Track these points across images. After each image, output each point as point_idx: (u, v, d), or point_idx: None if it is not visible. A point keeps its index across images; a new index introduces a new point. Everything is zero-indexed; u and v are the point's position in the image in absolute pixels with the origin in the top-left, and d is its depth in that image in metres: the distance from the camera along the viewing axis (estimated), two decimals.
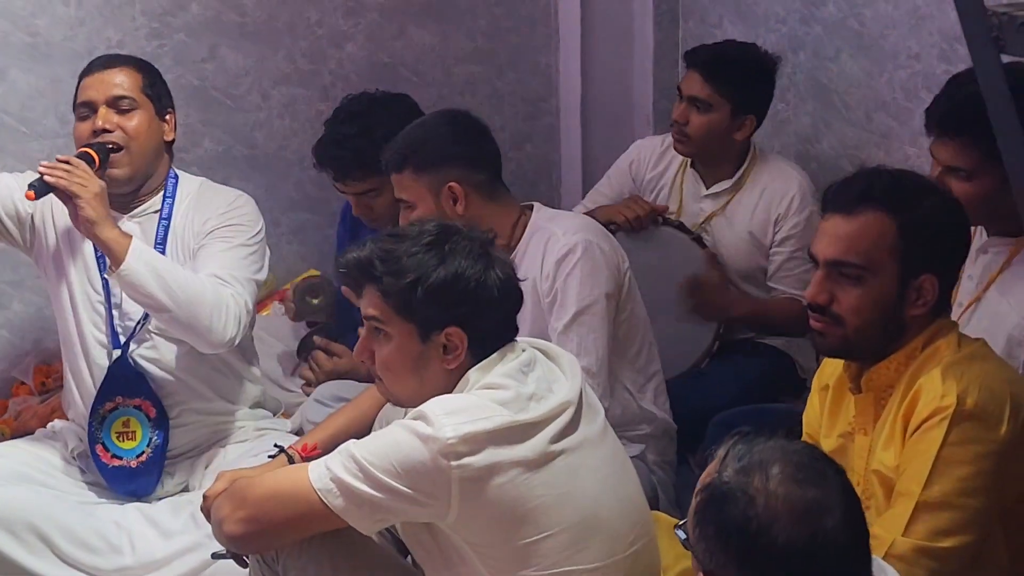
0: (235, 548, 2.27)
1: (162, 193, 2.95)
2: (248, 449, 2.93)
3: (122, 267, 2.66)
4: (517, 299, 2.20)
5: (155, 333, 2.88)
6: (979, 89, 1.87)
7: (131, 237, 2.72)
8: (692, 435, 3.01)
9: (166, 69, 3.48)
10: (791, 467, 1.63)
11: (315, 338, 3.15)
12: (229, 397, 3.01)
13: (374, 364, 2.21)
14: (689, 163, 3.54)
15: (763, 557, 1.60)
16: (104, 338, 2.89)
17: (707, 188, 3.50)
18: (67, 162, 2.71)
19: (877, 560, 1.76)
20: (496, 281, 2.14)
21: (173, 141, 3.00)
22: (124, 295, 2.85)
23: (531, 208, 2.92)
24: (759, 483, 1.62)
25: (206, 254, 2.84)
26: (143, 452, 2.89)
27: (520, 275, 2.34)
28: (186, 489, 2.96)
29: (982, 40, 1.81)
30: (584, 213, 3.33)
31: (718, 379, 3.38)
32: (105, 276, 2.78)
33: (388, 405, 2.50)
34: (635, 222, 3.39)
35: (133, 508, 2.86)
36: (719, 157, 3.46)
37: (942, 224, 2.13)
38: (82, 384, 2.92)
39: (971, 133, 2.34)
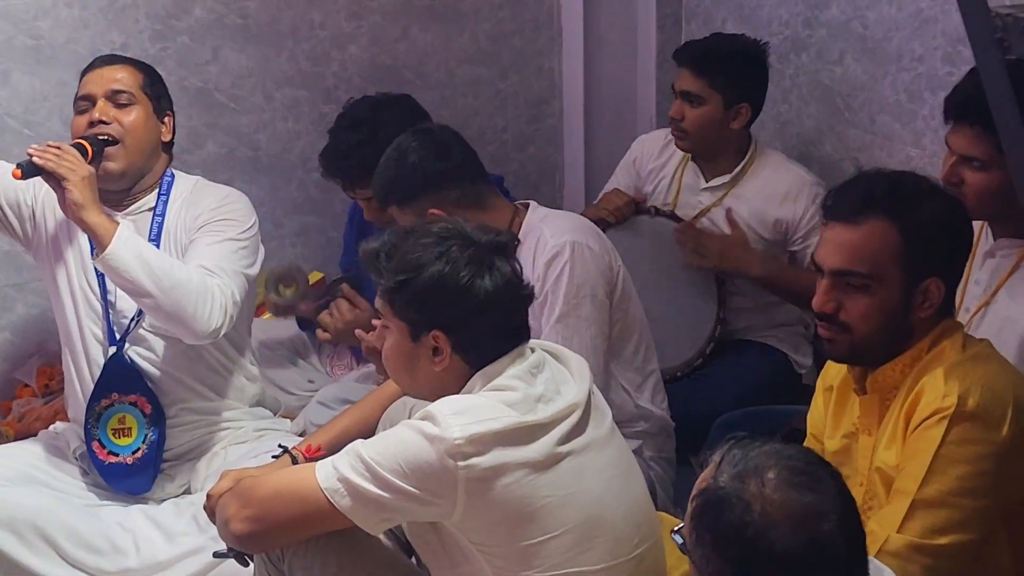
0: (241, 547, 2.27)
1: (157, 191, 2.95)
2: (249, 450, 2.94)
3: (106, 251, 2.66)
4: (514, 307, 2.17)
5: (149, 331, 2.88)
6: None
7: (118, 224, 2.71)
8: (695, 436, 3.01)
9: (169, 71, 3.50)
10: (786, 472, 1.63)
11: (344, 285, 3.12)
12: (226, 395, 3.01)
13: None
14: (690, 157, 3.57)
15: (760, 563, 1.60)
16: (101, 334, 2.90)
17: (706, 181, 3.53)
18: (58, 147, 2.71)
19: (874, 561, 1.76)
20: (486, 289, 2.11)
21: (171, 143, 3.00)
22: (119, 292, 2.85)
23: (527, 207, 2.93)
24: (755, 488, 1.61)
25: (195, 247, 2.84)
26: (139, 448, 2.88)
27: None
28: (188, 491, 2.95)
29: (986, 42, 1.81)
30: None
31: (720, 381, 3.39)
32: (94, 263, 2.78)
33: (392, 407, 2.51)
34: (616, 212, 3.41)
35: (137, 510, 2.86)
36: (718, 149, 3.48)
37: (945, 227, 2.13)
38: (82, 381, 2.93)
39: (988, 122, 2.34)
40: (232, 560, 2.37)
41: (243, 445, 2.98)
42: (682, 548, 1.71)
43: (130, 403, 2.87)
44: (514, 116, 4.29)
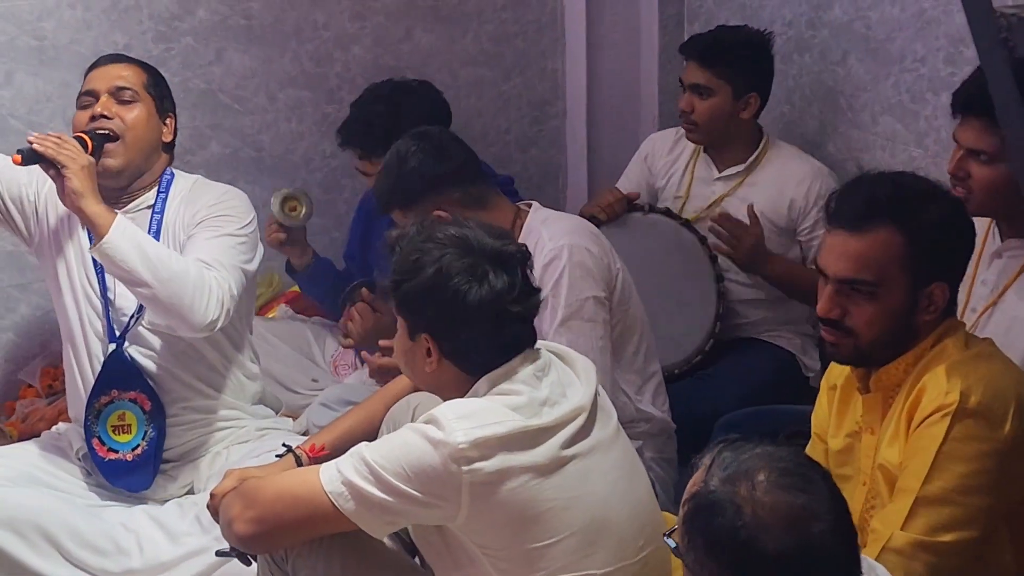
0: (244, 548, 2.27)
1: (156, 189, 2.95)
2: (251, 449, 2.94)
3: (104, 240, 2.65)
4: (506, 320, 2.14)
5: (148, 328, 2.89)
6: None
7: (116, 214, 2.72)
8: (697, 437, 3.00)
9: (173, 72, 3.51)
10: (777, 474, 1.63)
11: (363, 291, 3.12)
12: (227, 393, 3.01)
13: None
14: (702, 149, 3.59)
15: (753, 566, 1.59)
16: (102, 331, 2.90)
17: (719, 172, 3.56)
18: (59, 137, 2.72)
19: (867, 559, 1.76)
20: (473, 300, 2.10)
21: (172, 143, 3.01)
22: (118, 290, 2.86)
23: (529, 208, 2.92)
24: (746, 492, 1.61)
25: (193, 242, 2.84)
26: (138, 445, 2.88)
27: None
28: (191, 492, 2.95)
29: (991, 41, 1.82)
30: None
31: (723, 381, 3.39)
32: (91, 252, 2.78)
33: (396, 406, 2.51)
34: (607, 209, 3.42)
35: (140, 510, 2.86)
36: (730, 140, 3.51)
37: (949, 231, 2.13)
38: (83, 377, 2.93)
39: (995, 115, 2.33)
40: (236, 561, 2.37)
41: (245, 445, 2.98)
42: (675, 552, 1.71)
43: (130, 400, 2.87)
44: (517, 117, 4.29)
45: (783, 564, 1.58)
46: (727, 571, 1.61)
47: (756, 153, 3.51)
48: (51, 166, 2.69)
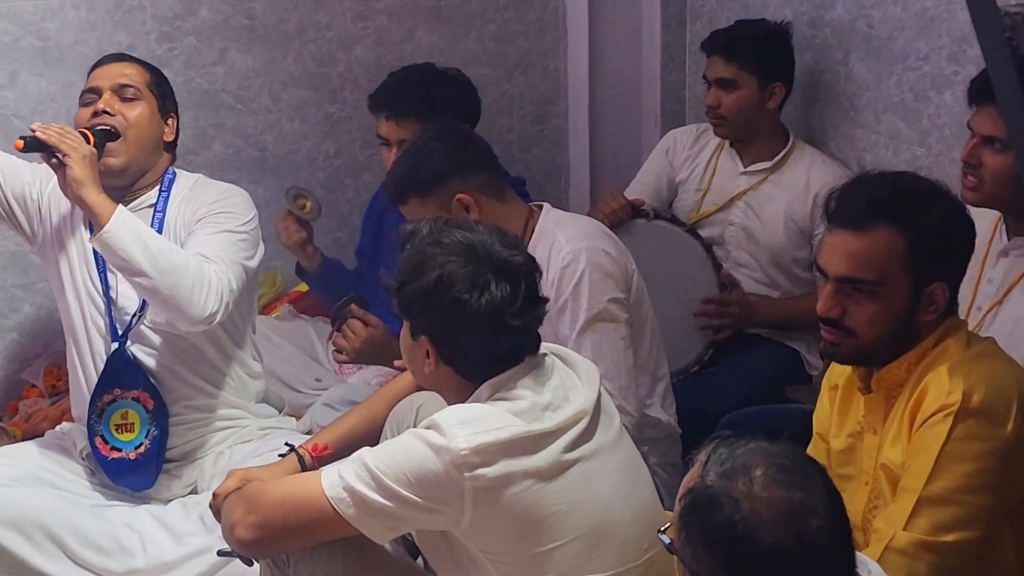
0: (246, 553, 2.27)
1: (158, 188, 2.96)
2: (254, 449, 2.94)
3: (104, 230, 2.66)
4: (505, 330, 2.12)
5: (150, 327, 2.89)
6: None
7: (117, 204, 2.72)
8: (700, 436, 2.99)
9: (176, 73, 3.51)
10: (773, 469, 1.63)
11: (352, 306, 3.13)
12: (229, 392, 3.01)
13: None
14: (728, 143, 3.62)
15: (750, 560, 1.60)
16: (104, 329, 2.90)
17: (744, 167, 3.59)
18: (61, 128, 2.73)
19: (859, 555, 1.77)
20: (472, 309, 2.09)
21: (174, 143, 3.01)
22: (120, 288, 2.86)
23: (540, 208, 2.92)
24: (743, 486, 1.62)
25: (194, 238, 2.84)
26: (141, 444, 2.88)
27: None
28: (194, 491, 2.96)
29: (995, 40, 1.82)
30: None
31: (726, 380, 3.40)
32: (91, 242, 2.78)
33: (399, 406, 2.51)
34: (611, 216, 3.43)
35: (144, 510, 2.87)
36: (758, 133, 3.55)
37: (949, 231, 2.13)
38: (87, 375, 2.93)
39: None
40: (239, 561, 2.37)
41: (248, 444, 2.99)
42: (669, 548, 1.72)
43: (132, 399, 2.88)
44: (519, 117, 4.29)
45: (780, 559, 1.59)
46: (724, 566, 1.61)
47: (784, 152, 3.54)
48: (53, 155, 2.69)
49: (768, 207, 3.53)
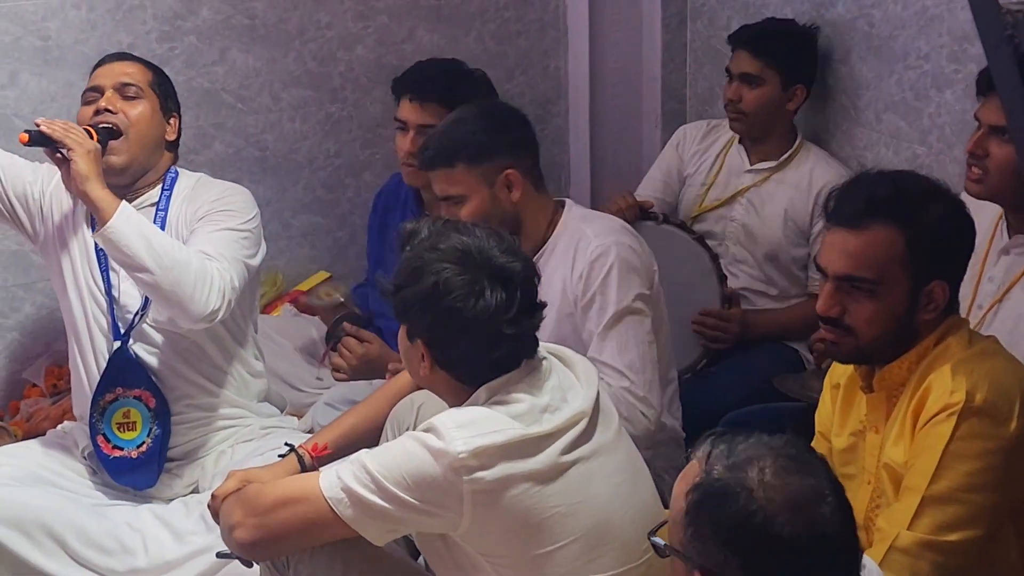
0: (245, 555, 2.27)
1: (160, 186, 2.96)
2: (255, 448, 2.94)
3: (108, 225, 2.66)
4: (501, 338, 2.11)
5: (152, 326, 2.89)
6: None
7: (121, 200, 2.72)
8: (701, 435, 3.00)
9: (177, 72, 3.51)
10: (782, 459, 1.64)
11: (345, 324, 3.14)
12: (231, 391, 3.01)
13: None
14: (737, 139, 3.63)
15: (767, 548, 1.60)
16: (106, 327, 2.91)
17: (751, 164, 3.60)
18: (65, 123, 2.74)
19: None
20: (473, 317, 2.09)
21: (176, 143, 3.02)
22: (123, 287, 2.86)
23: (563, 204, 2.91)
24: (754, 476, 1.62)
25: (196, 236, 2.85)
26: (143, 443, 2.89)
27: (545, 273, 2.40)
28: (196, 490, 2.96)
29: (997, 39, 1.82)
30: None
31: (726, 380, 3.40)
32: (94, 238, 2.79)
33: (399, 405, 2.50)
34: (619, 215, 3.42)
35: (146, 509, 2.87)
36: (771, 133, 3.56)
37: (948, 230, 2.14)
38: (89, 374, 2.93)
39: None
40: (234, 560, 2.37)
41: (250, 443, 2.99)
42: (661, 550, 1.72)
43: (134, 397, 2.88)
44: None
45: (796, 545, 1.60)
46: (739, 557, 1.61)
47: (790, 151, 3.55)
48: (57, 149, 2.70)
49: (769, 205, 3.54)
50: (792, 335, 3.51)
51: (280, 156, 3.97)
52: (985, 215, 2.51)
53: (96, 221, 2.73)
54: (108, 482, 2.93)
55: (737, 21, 3.91)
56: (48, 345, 3.73)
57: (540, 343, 2.22)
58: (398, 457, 2.06)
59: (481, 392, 2.12)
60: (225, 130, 3.88)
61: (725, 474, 1.64)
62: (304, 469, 2.43)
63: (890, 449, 2.14)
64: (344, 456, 2.42)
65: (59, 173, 2.77)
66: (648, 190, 3.73)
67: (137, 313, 2.89)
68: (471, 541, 2.10)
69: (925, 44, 3.27)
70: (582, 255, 2.76)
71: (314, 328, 3.70)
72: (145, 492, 2.93)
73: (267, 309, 3.82)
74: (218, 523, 2.32)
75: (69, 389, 3.17)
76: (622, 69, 4.30)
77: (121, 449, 2.89)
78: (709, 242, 3.55)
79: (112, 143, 2.85)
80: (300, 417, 3.27)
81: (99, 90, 2.91)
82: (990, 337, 2.21)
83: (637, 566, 2.16)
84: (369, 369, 3.06)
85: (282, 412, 3.20)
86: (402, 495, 2.04)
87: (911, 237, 2.09)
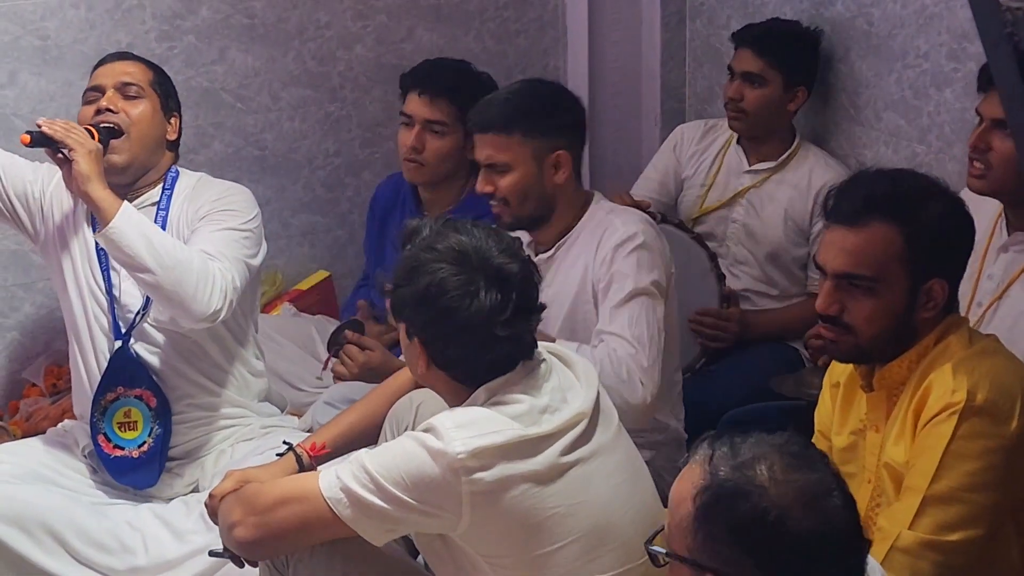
0: (244, 554, 2.27)
1: (161, 186, 2.96)
2: (255, 447, 2.94)
3: (110, 225, 2.66)
4: (496, 339, 2.10)
5: (153, 325, 2.89)
6: None
7: (123, 200, 2.72)
8: (701, 434, 3.00)
9: (176, 71, 3.50)
10: (787, 456, 1.64)
11: (346, 332, 3.15)
12: (232, 390, 3.01)
13: None
14: (736, 140, 3.63)
15: (783, 544, 1.60)
16: (107, 327, 2.91)
17: (750, 165, 3.60)
18: (66, 123, 2.74)
19: None
20: (468, 319, 2.08)
21: (177, 142, 3.02)
22: (124, 287, 2.86)
23: (592, 196, 2.93)
24: (764, 474, 1.62)
25: (197, 235, 2.85)
26: (144, 442, 2.89)
27: (568, 259, 2.51)
28: (196, 489, 2.96)
29: (996, 37, 1.82)
30: None
31: (726, 379, 3.40)
32: (96, 238, 2.78)
33: (398, 403, 2.50)
34: None
35: (146, 508, 2.87)
36: (770, 133, 3.56)
37: (947, 228, 2.13)
38: (89, 374, 2.93)
39: None
40: (227, 559, 2.36)
41: (250, 442, 2.98)
42: (667, 556, 1.70)
43: (135, 397, 2.88)
44: None
45: (810, 539, 1.60)
46: (753, 556, 1.61)
47: (789, 152, 3.55)
48: (59, 150, 2.70)
49: (769, 206, 3.54)
50: (792, 334, 3.51)
51: (279, 155, 3.97)
52: (984, 213, 2.51)
53: (97, 221, 2.73)
54: (108, 481, 2.93)
55: (736, 20, 3.92)
56: (48, 345, 3.73)
57: (540, 344, 2.22)
58: (397, 457, 2.06)
59: (480, 393, 2.12)
60: (224, 129, 3.88)
61: (733, 474, 1.63)
62: (302, 468, 2.42)
63: (890, 448, 2.14)
64: (343, 455, 2.42)
65: (59, 172, 2.78)
66: (644, 191, 3.72)
67: (138, 312, 2.89)
68: (470, 541, 2.10)
69: (924, 42, 3.27)
70: (607, 241, 2.77)
71: (314, 327, 3.70)
72: (145, 491, 2.93)
73: (267, 308, 3.82)
74: (215, 522, 2.32)
75: (69, 389, 3.17)
76: (621, 68, 4.30)
77: (122, 449, 2.89)
78: (710, 243, 3.55)
79: (113, 142, 2.85)
80: (300, 416, 3.27)
81: (100, 89, 2.91)
82: (990, 336, 2.21)
83: (637, 566, 2.15)
84: (371, 377, 3.06)
85: (282, 411, 3.19)
86: (401, 495, 2.04)
87: (910, 235, 2.09)
